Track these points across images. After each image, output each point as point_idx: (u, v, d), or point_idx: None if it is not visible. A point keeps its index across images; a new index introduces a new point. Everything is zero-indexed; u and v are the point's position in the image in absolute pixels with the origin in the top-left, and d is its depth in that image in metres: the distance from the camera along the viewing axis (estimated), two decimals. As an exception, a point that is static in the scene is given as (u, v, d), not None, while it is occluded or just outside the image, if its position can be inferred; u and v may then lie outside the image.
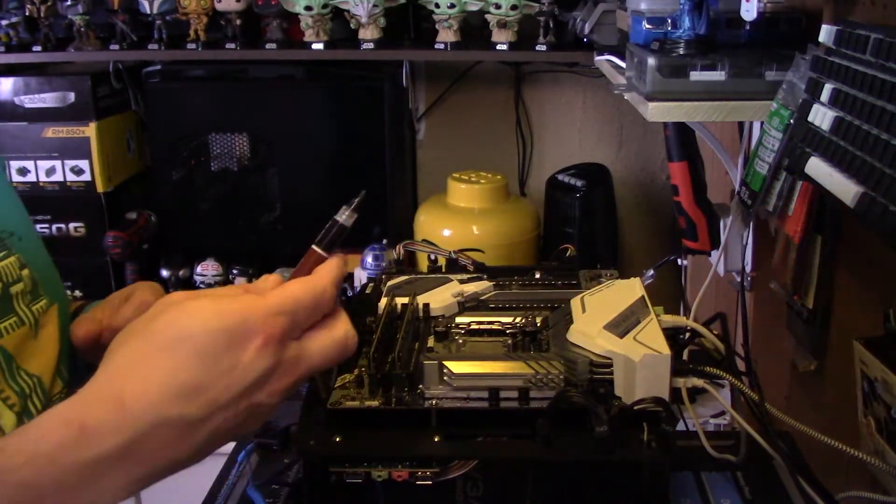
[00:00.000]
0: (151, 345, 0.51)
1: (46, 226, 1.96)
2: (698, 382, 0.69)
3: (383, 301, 0.79)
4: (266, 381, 0.53)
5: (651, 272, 0.95)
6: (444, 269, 0.95)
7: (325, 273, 0.60)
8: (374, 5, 1.79)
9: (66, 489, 0.48)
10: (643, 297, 0.78)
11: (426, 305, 0.81)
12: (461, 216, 1.85)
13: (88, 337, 0.73)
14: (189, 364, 0.50)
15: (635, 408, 0.65)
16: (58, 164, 1.94)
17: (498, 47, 1.83)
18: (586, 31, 1.65)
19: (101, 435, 0.48)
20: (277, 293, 0.55)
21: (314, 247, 0.67)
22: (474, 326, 0.79)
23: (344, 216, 0.68)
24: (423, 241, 1.08)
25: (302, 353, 0.56)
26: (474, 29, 1.95)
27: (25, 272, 0.74)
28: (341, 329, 0.59)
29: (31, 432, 0.49)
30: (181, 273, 1.98)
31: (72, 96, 1.91)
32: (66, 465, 0.47)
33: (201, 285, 1.95)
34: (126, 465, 0.49)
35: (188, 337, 0.51)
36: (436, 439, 0.65)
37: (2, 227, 0.74)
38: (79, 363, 0.82)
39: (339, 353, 0.59)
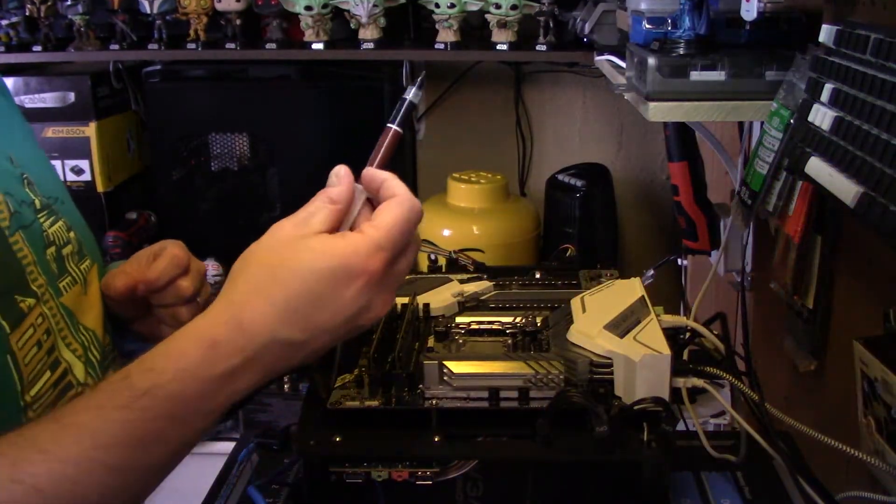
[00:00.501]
0: (268, 276, 0.60)
1: (46, 226, 1.96)
2: (698, 382, 0.69)
3: (383, 301, 0.79)
4: (366, 310, 0.62)
5: (651, 272, 0.95)
6: (444, 269, 0.95)
7: (406, 197, 0.65)
8: (374, 5, 1.79)
9: (205, 396, 0.58)
10: (643, 297, 0.78)
11: (426, 305, 0.81)
12: (461, 216, 1.85)
13: (126, 289, 0.79)
14: (299, 297, 0.59)
15: (635, 408, 0.65)
16: (58, 163, 1.94)
17: (498, 47, 1.83)
18: (586, 30, 1.65)
19: (228, 352, 0.58)
20: (375, 232, 0.62)
21: (389, 124, 0.72)
22: (474, 326, 0.79)
23: (411, 93, 0.71)
24: (423, 240, 1.08)
25: (396, 277, 0.64)
26: (474, 29, 1.95)
27: (72, 234, 0.78)
28: (418, 240, 0.67)
29: (172, 352, 0.59)
30: (181, 273, 1.98)
31: (72, 96, 1.91)
32: (203, 377, 0.58)
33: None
34: (249, 374, 0.59)
35: (299, 273, 0.60)
36: (436, 439, 0.65)
37: (49, 194, 0.77)
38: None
39: (416, 254, 0.67)
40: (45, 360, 0.69)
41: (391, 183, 0.66)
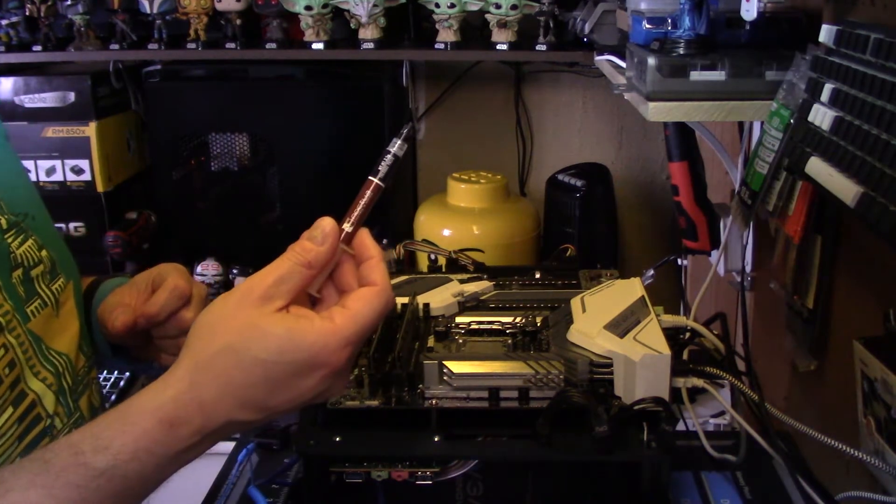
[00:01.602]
0: (230, 361, 0.59)
1: (46, 225, 1.96)
2: (698, 382, 0.69)
3: (383, 301, 0.79)
4: (323, 394, 0.61)
5: (651, 272, 0.95)
6: (444, 269, 0.95)
7: (385, 290, 0.62)
8: (374, 5, 1.79)
9: (162, 472, 0.59)
10: (643, 297, 0.78)
11: (426, 305, 0.81)
12: (461, 216, 1.85)
13: (125, 327, 0.80)
14: (260, 384, 0.59)
15: (635, 408, 0.65)
16: (58, 163, 1.94)
17: (498, 47, 1.83)
18: (586, 30, 1.65)
19: (187, 433, 0.59)
20: (345, 324, 0.59)
21: (371, 178, 0.67)
22: (474, 326, 0.79)
23: (396, 146, 0.67)
24: (423, 240, 1.08)
25: (353, 362, 0.62)
26: (474, 29, 1.95)
27: (44, 253, 0.77)
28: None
29: (130, 430, 0.58)
30: (181, 273, 1.98)
31: (72, 96, 1.91)
32: (162, 455, 0.58)
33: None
34: (202, 448, 0.61)
35: (260, 362, 0.59)
36: (436, 439, 0.65)
37: (18, 209, 0.76)
38: (96, 338, 0.87)
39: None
40: (8, 396, 0.68)
41: (376, 265, 0.63)
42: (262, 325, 0.59)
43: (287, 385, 0.59)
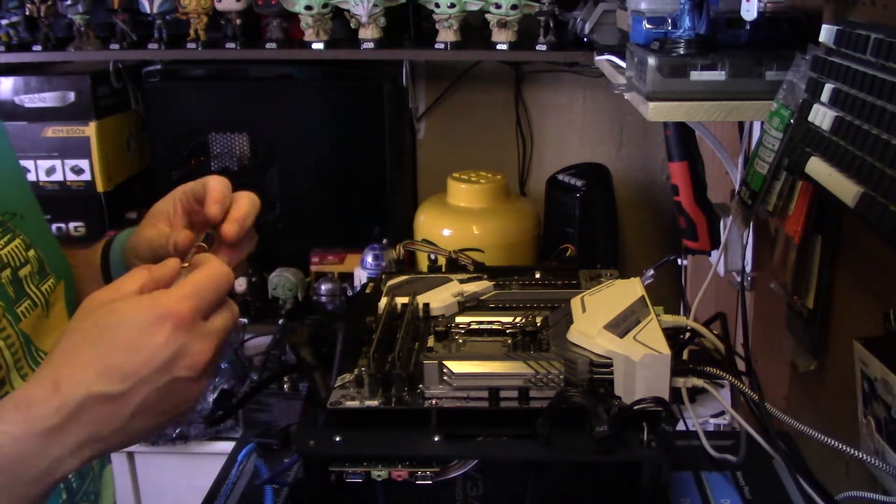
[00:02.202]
0: (81, 338, 0.60)
1: (46, 225, 1.96)
2: (698, 382, 0.69)
3: (383, 301, 0.79)
4: (180, 356, 0.61)
5: (651, 272, 0.95)
6: (444, 269, 0.95)
7: (216, 262, 0.66)
8: (375, 5, 1.79)
9: (24, 459, 0.57)
10: (643, 296, 0.78)
11: (426, 305, 0.81)
12: (461, 216, 1.85)
13: (188, 239, 0.78)
14: (111, 349, 0.59)
15: (635, 408, 0.65)
16: (58, 163, 1.94)
17: (498, 47, 1.83)
18: (586, 30, 1.65)
19: (44, 412, 0.58)
20: (184, 282, 0.63)
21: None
22: (474, 326, 0.79)
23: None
24: (423, 240, 1.08)
25: (210, 330, 0.63)
26: (474, 29, 1.95)
27: (31, 253, 0.76)
28: (235, 307, 0.67)
29: None
30: (181, 272, 1.98)
31: (72, 96, 1.91)
32: (20, 439, 0.57)
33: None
34: (67, 436, 0.58)
35: (109, 328, 0.60)
36: (436, 439, 0.65)
37: (5, 209, 0.75)
38: None
39: (234, 321, 0.66)
40: None
41: (205, 256, 0.68)
42: (100, 300, 0.62)
43: (136, 343, 0.59)
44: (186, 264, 0.68)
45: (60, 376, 0.59)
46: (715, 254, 1.28)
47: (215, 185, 0.80)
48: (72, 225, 1.98)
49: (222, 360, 0.66)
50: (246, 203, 0.81)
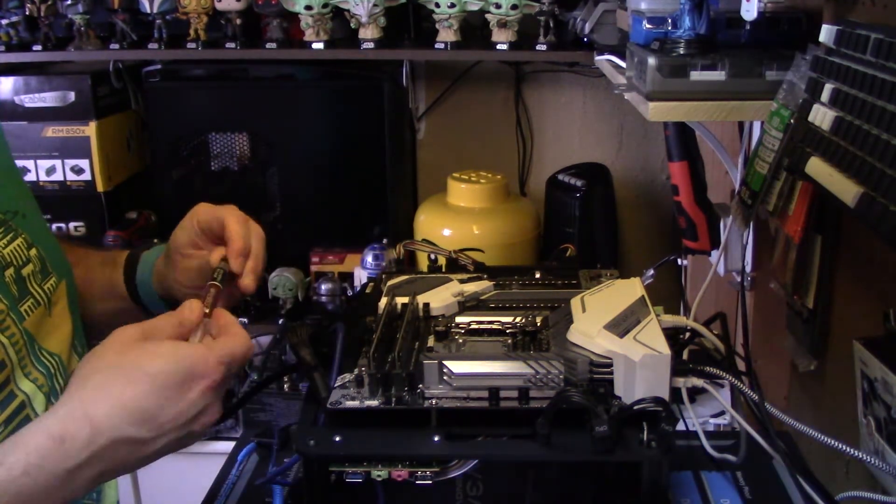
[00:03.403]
0: (118, 376, 0.63)
1: (46, 225, 1.96)
2: (698, 382, 0.69)
3: (383, 301, 0.79)
4: (202, 413, 0.66)
5: (651, 272, 0.95)
6: (444, 269, 0.95)
7: (245, 334, 0.70)
8: (375, 5, 1.79)
9: (51, 490, 0.60)
10: (643, 296, 0.78)
11: (426, 305, 0.81)
12: (461, 216, 1.85)
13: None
14: (147, 396, 0.63)
15: (635, 408, 0.65)
16: (58, 163, 1.94)
17: (498, 47, 1.83)
18: (586, 30, 1.65)
19: (76, 448, 0.60)
20: (222, 347, 0.67)
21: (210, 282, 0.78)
22: (474, 326, 0.79)
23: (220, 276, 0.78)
24: (423, 240, 1.08)
25: (225, 386, 0.68)
26: (474, 28, 1.95)
27: (33, 252, 0.76)
28: (251, 346, 0.71)
29: (21, 445, 0.60)
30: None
31: (72, 96, 1.91)
32: (52, 472, 0.59)
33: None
34: (92, 469, 0.62)
35: (149, 375, 0.63)
36: (436, 439, 0.65)
37: (7, 208, 0.76)
38: (149, 303, 0.90)
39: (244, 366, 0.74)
40: None
41: (231, 320, 0.71)
42: (147, 346, 0.65)
43: (174, 397, 0.63)
44: (208, 309, 0.72)
45: (96, 414, 0.61)
46: (715, 254, 1.28)
47: (235, 232, 0.82)
48: (72, 225, 1.98)
49: None
50: (260, 250, 0.84)
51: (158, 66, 2.02)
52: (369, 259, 1.84)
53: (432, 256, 0.97)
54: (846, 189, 0.64)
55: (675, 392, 0.68)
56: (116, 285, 0.91)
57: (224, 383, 0.66)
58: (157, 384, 0.63)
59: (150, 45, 1.90)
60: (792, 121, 0.79)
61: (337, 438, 0.66)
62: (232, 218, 0.83)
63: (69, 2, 1.87)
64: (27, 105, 1.92)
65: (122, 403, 0.62)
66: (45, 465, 0.59)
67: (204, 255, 0.83)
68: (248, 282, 0.81)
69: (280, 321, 1.92)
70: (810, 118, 0.74)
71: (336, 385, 0.69)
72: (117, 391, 0.62)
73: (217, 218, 0.83)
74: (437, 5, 1.81)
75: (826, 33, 0.74)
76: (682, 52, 0.89)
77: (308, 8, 1.81)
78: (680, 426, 0.73)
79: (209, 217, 0.84)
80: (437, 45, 1.84)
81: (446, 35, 1.83)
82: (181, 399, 0.63)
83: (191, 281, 0.85)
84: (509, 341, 0.75)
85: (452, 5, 1.80)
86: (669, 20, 1.01)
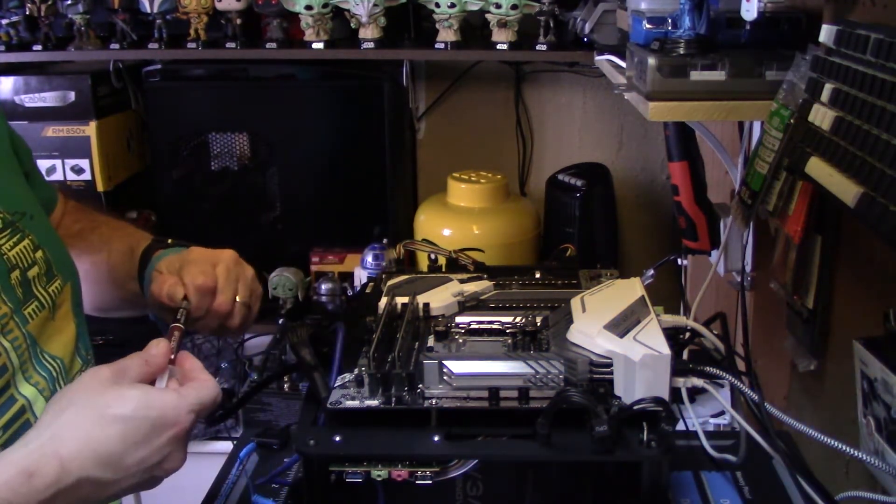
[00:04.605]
0: (90, 419, 0.64)
1: (46, 225, 1.96)
2: (698, 382, 0.69)
3: (383, 300, 0.79)
4: (167, 459, 0.67)
5: (651, 272, 0.95)
6: (444, 269, 0.95)
7: (213, 384, 0.71)
8: (375, 5, 1.79)
9: None
10: (643, 296, 0.78)
11: (426, 305, 0.81)
12: (461, 216, 1.85)
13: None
14: (115, 440, 0.64)
15: (635, 407, 0.65)
16: (58, 163, 1.93)
17: (498, 47, 1.83)
18: (586, 30, 1.65)
19: (44, 484, 0.61)
20: (193, 395, 0.68)
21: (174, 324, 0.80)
22: (474, 326, 0.79)
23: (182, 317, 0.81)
24: (423, 240, 1.08)
25: (189, 435, 0.69)
26: (474, 28, 1.95)
27: (39, 254, 0.76)
28: (218, 394, 0.72)
29: None
30: (181, 272, 1.98)
31: (72, 95, 1.91)
32: None
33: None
34: None
35: (118, 419, 0.64)
36: (436, 439, 0.65)
37: (14, 209, 0.76)
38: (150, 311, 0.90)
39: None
40: None
41: (197, 365, 0.73)
42: (119, 389, 0.66)
43: (141, 443, 0.64)
44: (173, 355, 0.72)
45: (64, 453, 0.62)
46: (715, 254, 1.28)
47: (197, 279, 0.85)
48: (72, 225, 1.98)
49: None
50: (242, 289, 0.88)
51: (158, 66, 2.02)
52: (369, 259, 1.84)
53: (432, 256, 0.97)
54: (846, 189, 0.64)
55: (675, 392, 0.68)
56: (135, 276, 0.93)
57: (189, 432, 0.68)
58: (127, 429, 0.64)
59: (150, 45, 1.90)
60: (792, 121, 0.79)
61: (337, 438, 0.66)
62: (196, 269, 0.86)
63: (69, 2, 1.87)
64: (27, 105, 1.92)
65: (90, 446, 0.63)
66: (13, 500, 0.60)
67: (162, 281, 0.85)
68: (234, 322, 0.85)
69: (280, 321, 1.92)
70: (810, 118, 0.74)
71: (336, 385, 0.69)
72: (86, 433, 0.63)
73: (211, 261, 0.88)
74: (437, 5, 1.81)
75: (826, 33, 0.74)
76: (682, 52, 0.89)
77: (308, 8, 1.81)
78: (680, 426, 0.73)
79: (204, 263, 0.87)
80: (437, 45, 1.84)
81: (446, 35, 1.83)
82: (148, 446, 0.65)
83: (152, 298, 0.86)
84: (509, 341, 0.75)
85: (452, 5, 1.80)
86: (669, 20, 1.01)
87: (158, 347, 0.71)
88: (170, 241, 0.95)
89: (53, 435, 0.63)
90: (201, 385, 0.70)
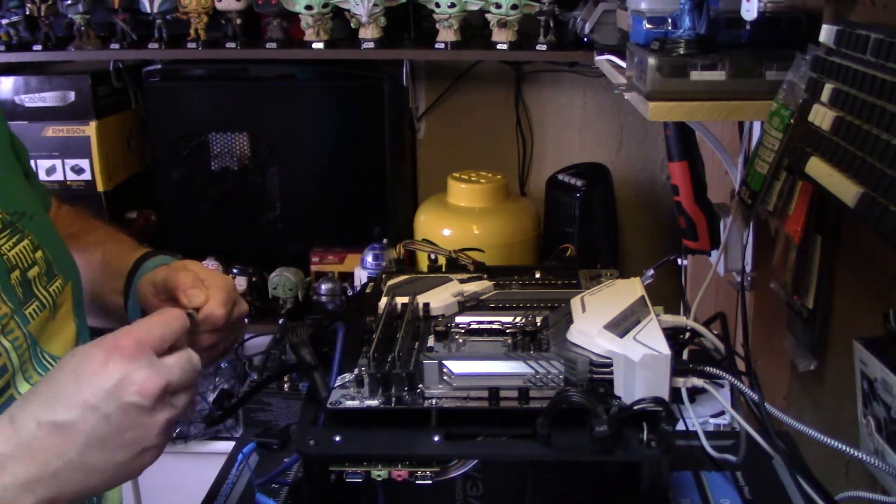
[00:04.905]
0: (39, 384, 0.64)
1: (46, 225, 1.96)
2: (698, 382, 0.69)
3: (383, 300, 0.79)
4: (125, 382, 0.62)
5: (651, 272, 0.95)
6: (444, 269, 0.95)
7: (173, 310, 0.70)
8: (375, 4, 1.79)
9: None
10: (643, 296, 0.78)
11: (426, 305, 0.81)
12: (461, 216, 1.85)
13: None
14: (58, 381, 0.62)
15: (635, 407, 0.65)
16: (58, 163, 1.94)
17: (498, 47, 1.83)
18: (586, 30, 1.65)
19: (2, 438, 0.59)
20: (140, 323, 0.67)
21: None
22: (474, 326, 0.79)
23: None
24: (423, 240, 1.08)
25: (159, 364, 0.65)
26: (474, 28, 1.95)
27: (39, 254, 0.76)
28: (194, 354, 0.69)
29: None
30: (181, 272, 1.98)
31: (72, 95, 1.91)
32: None
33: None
34: (18, 466, 0.59)
35: (60, 366, 0.63)
36: (436, 439, 0.65)
37: (13, 209, 0.75)
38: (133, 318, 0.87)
39: (191, 365, 0.68)
40: None
41: (165, 308, 0.72)
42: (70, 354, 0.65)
43: (79, 373, 0.61)
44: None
45: (15, 413, 0.61)
46: (715, 254, 1.28)
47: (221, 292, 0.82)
48: (72, 225, 1.98)
49: (188, 402, 0.69)
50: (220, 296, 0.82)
51: (158, 66, 2.02)
52: (369, 259, 1.84)
53: (432, 256, 0.97)
54: (846, 189, 0.64)
55: (675, 392, 0.68)
56: (122, 277, 0.89)
57: (135, 350, 0.63)
58: (64, 370, 0.63)
59: (150, 45, 1.90)
60: (792, 121, 0.79)
61: (337, 438, 0.66)
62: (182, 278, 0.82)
63: (69, 1, 1.87)
64: (27, 105, 1.92)
65: (35, 394, 0.62)
66: None
67: (187, 276, 0.82)
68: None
69: (280, 321, 1.92)
70: (810, 118, 0.74)
71: (336, 385, 0.69)
72: (36, 388, 0.63)
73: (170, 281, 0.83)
74: (437, 5, 1.81)
75: (826, 33, 0.74)
76: (682, 52, 0.89)
77: (308, 8, 1.81)
78: (680, 426, 0.73)
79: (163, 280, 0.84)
80: (437, 45, 1.84)
81: (446, 35, 1.83)
82: (86, 371, 0.61)
83: (155, 282, 0.84)
84: (509, 341, 0.75)
85: (452, 5, 1.80)
86: (669, 20, 1.01)
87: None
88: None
89: (13, 405, 0.63)
90: (159, 315, 0.68)
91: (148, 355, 0.64)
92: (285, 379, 1.90)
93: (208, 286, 0.80)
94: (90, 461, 0.61)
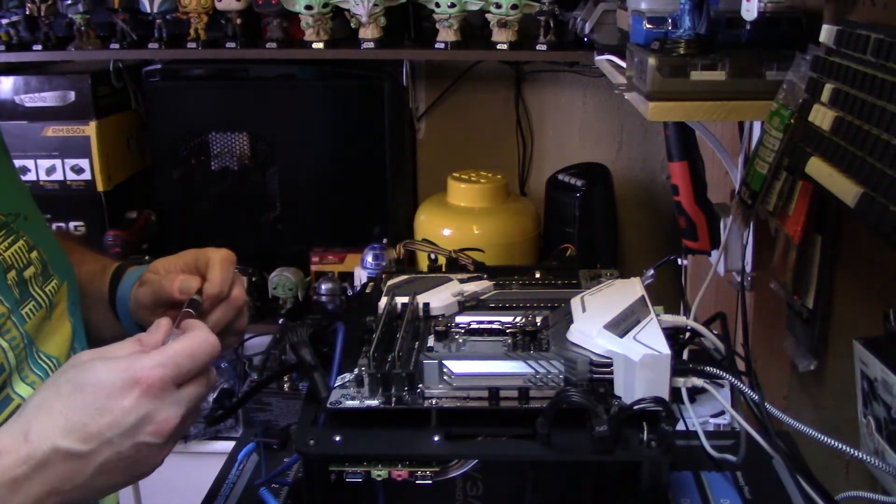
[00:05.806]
0: (55, 393, 0.63)
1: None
2: (698, 382, 0.69)
3: (383, 300, 0.79)
4: (146, 422, 0.63)
5: (651, 272, 0.95)
6: (444, 269, 0.95)
7: (202, 332, 0.68)
8: (375, 4, 1.79)
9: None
10: (643, 296, 0.78)
11: (426, 305, 0.81)
12: (461, 216, 1.85)
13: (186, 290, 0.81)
14: (80, 408, 0.62)
15: (635, 407, 0.65)
16: (58, 163, 1.94)
17: (498, 47, 1.83)
18: (587, 30, 1.65)
19: (14, 461, 0.60)
20: (162, 349, 0.65)
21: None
22: (474, 326, 0.79)
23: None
24: (423, 240, 1.08)
25: (180, 398, 0.65)
26: (474, 28, 1.96)
27: (34, 254, 0.76)
28: (212, 373, 0.69)
29: None
30: (181, 272, 1.98)
31: (72, 95, 1.91)
32: None
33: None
34: (30, 486, 0.60)
35: (81, 387, 0.62)
36: (436, 439, 0.65)
37: (8, 210, 0.75)
38: (126, 325, 0.88)
39: (208, 389, 0.68)
40: None
41: (193, 323, 0.70)
42: (75, 362, 0.65)
43: (104, 405, 0.62)
44: (178, 328, 0.70)
45: (30, 429, 0.61)
46: (715, 254, 1.28)
47: (217, 265, 0.82)
48: (72, 224, 1.98)
49: (192, 424, 0.69)
50: (239, 291, 0.84)
51: (158, 66, 2.02)
52: (369, 259, 1.84)
53: (432, 256, 0.97)
54: (846, 189, 0.64)
55: (675, 392, 0.68)
56: (104, 295, 0.89)
57: (163, 387, 0.63)
58: (88, 395, 0.62)
59: (150, 45, 1.91)
60: (792, 121, 0.79)
61: (337, 438, 0.66)
62: (219, 259, 0.83)
63: (69, 1, 1.87)
64: (27, 105, 1.92)
65: (52, 418, 0.62)
66: None
67: (172, 277, 0.82)
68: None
69: (280, 321, 1.92)
70: (810, 118, 0.74)
71: (336, 385, 0.69)
72: (48, 405, 0.62)
73: (206, 257, 0.83)
74: (437, 5, 1.81)
75: (826, 33, 0.74)
76: (682, 52, 0.89)
77: (308, 8, 1.81)
78: (680, 426, 0.73)
79: (199, 258, 0.84)
80: (437, 45, 1.84)
81: (446, 35, 1.83)
82: (115, 407, 0.62)
83: (144, 297, 0.84)
84: (509, 341, 0.75)
85: (452, 5, 1.80)
86: (669, 20, 1.01)
87: (159, 324, 0.69)
88: (146, 258, 0.93)
89: (20, 415, 0.62)
90: (175, 343, 0.66)
91: (170, 392, 0.64)
92: (285, 379, 1.90)
93: (200, 266, 0.82)
94: (95, 484, 0.63)
